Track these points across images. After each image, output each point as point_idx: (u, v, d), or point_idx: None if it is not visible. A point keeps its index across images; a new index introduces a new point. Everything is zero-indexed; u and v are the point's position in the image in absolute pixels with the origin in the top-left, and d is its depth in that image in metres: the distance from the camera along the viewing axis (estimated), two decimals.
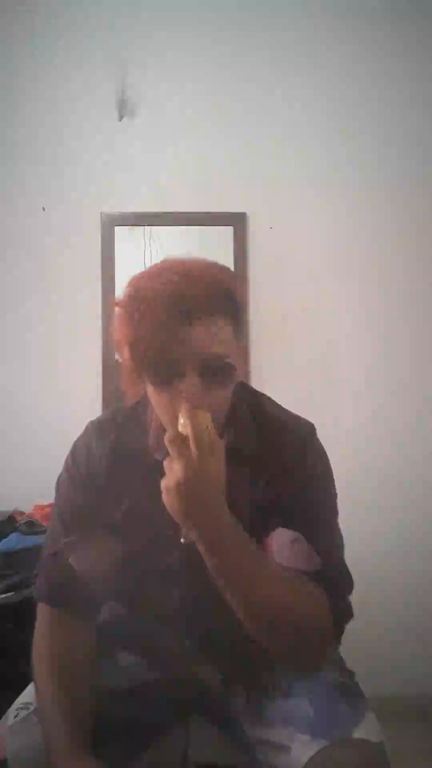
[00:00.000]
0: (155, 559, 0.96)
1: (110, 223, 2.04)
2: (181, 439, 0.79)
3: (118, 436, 1.00)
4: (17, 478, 1.97)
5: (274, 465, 0.93)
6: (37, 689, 0.92)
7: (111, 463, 0.99)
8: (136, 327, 0.82)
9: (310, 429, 1.00)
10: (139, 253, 2.02)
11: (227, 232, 2.04)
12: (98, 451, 1.00)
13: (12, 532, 1.74)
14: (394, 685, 1.95)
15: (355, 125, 2.06)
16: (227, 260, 2.02)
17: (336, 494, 0.98)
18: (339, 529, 0.96)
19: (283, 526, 0.90)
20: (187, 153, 2.04)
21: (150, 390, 0.88)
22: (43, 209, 2.04)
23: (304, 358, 2.03)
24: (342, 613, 0.90)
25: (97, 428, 1.03)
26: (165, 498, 0.80)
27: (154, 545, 0.94)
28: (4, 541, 1.70)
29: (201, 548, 0.80)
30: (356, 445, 2.00)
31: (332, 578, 0.89)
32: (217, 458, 0.80)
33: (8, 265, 2.05)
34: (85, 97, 2.04)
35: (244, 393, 1.00)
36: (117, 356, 0.89)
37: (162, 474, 0.81)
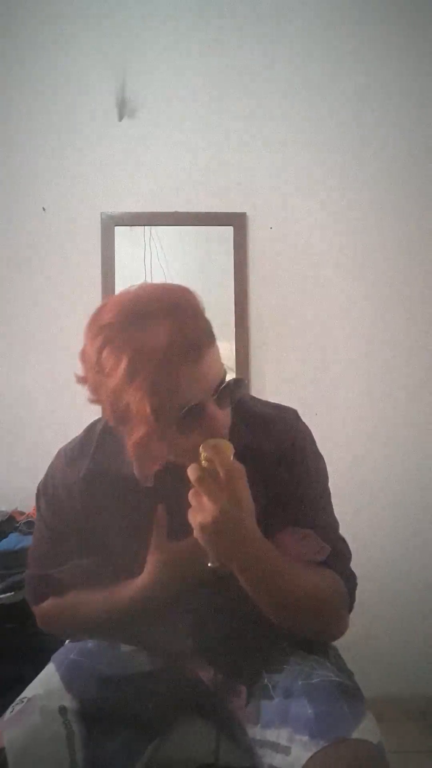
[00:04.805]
0: None
1: (110, 223, 2.04)
2: (209, 475, 0.81)
3: (91, 463, 0.99)
4: (17, 478, 1.97)
5: (269, 461, 0.96)
6: (78, 617, 1.02)
7: (84, 492, 0.99)
8: (153, 390, 0.79)
9: (293, 416, 1.03)
10: (139, 253, 2.02)
11: (227, 232, 2.03)
12: (69, 479, 1.00)
13: (12, 532, 1.74)
14: (394, 685, 1.95)
15: (355, 125, 2.06)
16: (227, 260, 2.03)
17: (327, 472, 1.03)
18: (332, 507, 1.02)
19: (287, 518, 0.95)
20: (187, 153, 2.04)
21: (168, 438, 0.84)
22: (44, 209, 2.04)
23: (303, 358, 2.03)
24: (352, 583, 0.98)
25: (67, 458, 1.03)
26: (199, 534, 0.82)
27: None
28: (4, 541, 1.70)
29: (236, 569, 0.85)
30: (355, 446, 2.00)
31: (339, 558, 0.97)
32: (244, 484, 0.83)
33: (8, 265, 2.05)
34: (85, 97, 2.04)
35: None
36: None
37: (150, 499, 0.90)
